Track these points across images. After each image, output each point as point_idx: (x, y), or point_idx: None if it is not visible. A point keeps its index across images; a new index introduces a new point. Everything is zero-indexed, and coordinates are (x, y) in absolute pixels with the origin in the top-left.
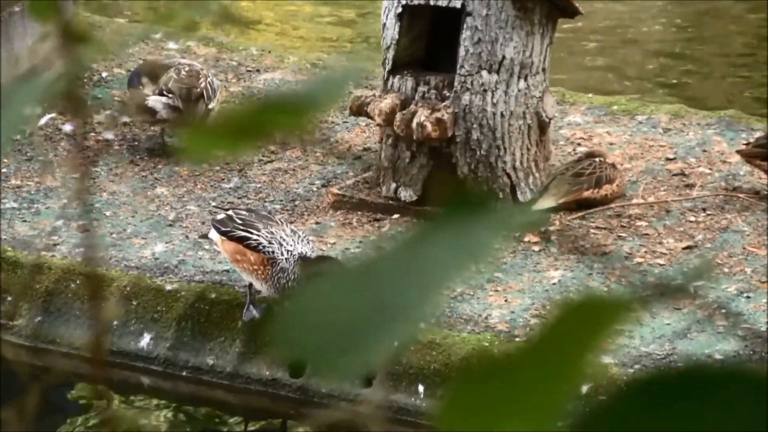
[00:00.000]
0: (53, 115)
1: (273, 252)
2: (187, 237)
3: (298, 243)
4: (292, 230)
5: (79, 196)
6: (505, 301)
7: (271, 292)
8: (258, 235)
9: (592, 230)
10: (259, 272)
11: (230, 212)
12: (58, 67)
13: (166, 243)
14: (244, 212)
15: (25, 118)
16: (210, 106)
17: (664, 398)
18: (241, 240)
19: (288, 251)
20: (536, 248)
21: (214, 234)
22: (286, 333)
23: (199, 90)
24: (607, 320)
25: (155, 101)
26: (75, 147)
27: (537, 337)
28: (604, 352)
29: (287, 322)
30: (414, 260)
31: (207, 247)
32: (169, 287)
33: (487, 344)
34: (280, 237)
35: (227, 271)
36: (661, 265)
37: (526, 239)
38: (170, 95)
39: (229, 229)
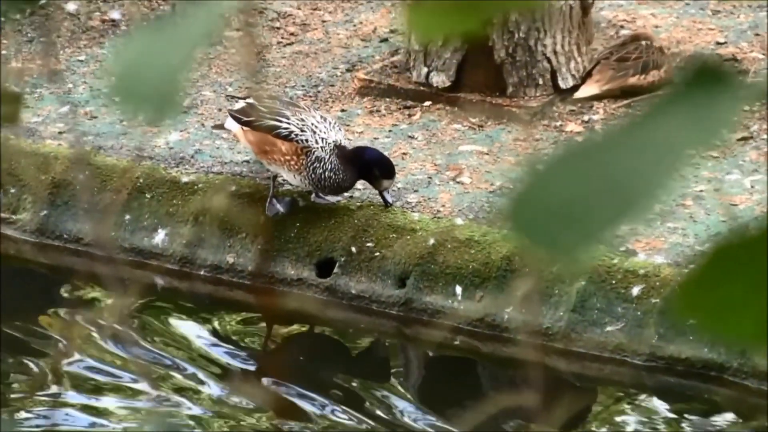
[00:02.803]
0: None
1: (307, 140)
2: (203, 125)
3: (330, 130)
4: (321, 116)
5: None
6: None
7: (305, 184)
8: (288, 123)
9: None
10: (292, 163)
11: (250, 100)
12: None
13: (181, 131)
14: (266, 99)
15: None
16: None
17: None
18: (269, 129)
19: (322, 139)
20: (580, 138)
21: (232, 124)
22: (518, 210)
23: None
24: None
25: None
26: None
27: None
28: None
29: (519, 199)
30: (647, 137)
31: (225, 135)
32: (185, 179)
33: None
34: (312, 124)
35: (248, 161)
36: (714, 157)
37: (569, 128)
38: None
39: (252, 118)
